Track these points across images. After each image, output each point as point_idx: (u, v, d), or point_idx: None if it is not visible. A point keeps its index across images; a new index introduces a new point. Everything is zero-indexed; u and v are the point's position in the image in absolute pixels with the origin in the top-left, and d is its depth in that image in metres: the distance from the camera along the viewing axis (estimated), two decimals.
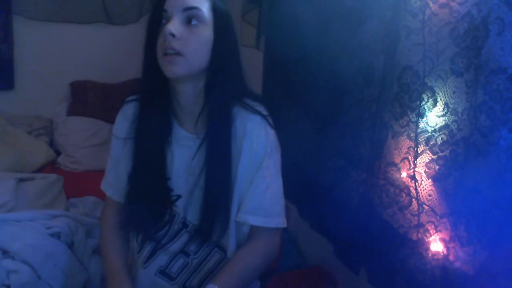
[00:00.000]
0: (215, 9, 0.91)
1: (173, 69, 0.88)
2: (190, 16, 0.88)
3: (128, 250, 1.07)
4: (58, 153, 2.19)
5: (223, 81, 0.93)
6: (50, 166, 2.08)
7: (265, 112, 0.98)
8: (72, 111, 2.29)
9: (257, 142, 0.95)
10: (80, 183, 1.90)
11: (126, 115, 1.02)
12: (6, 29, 2.20)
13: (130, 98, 1.04)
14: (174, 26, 0.86)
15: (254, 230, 0.99)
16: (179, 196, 1.00)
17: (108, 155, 1.08)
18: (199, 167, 0.96)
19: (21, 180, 1.65)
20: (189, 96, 0.95)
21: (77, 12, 2.31)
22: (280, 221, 0.98)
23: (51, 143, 2.23)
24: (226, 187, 0.95)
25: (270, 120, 0.98)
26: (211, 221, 0.96)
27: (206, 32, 0.90)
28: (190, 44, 0.88)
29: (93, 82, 2.40)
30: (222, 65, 0.92)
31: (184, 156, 0.98)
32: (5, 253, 1.17)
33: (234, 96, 0.96)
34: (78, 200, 1.68)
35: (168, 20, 0.88)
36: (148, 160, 0.97)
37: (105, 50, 2.43)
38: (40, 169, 2.01)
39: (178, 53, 0.87)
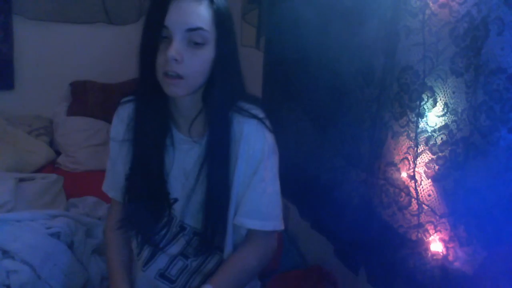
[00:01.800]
0: (218, 21, 0.87)
1: (174, 90, 0.86)
2: (194, 38, 0.84)
3: (130, 250, 1.08)
4: (58, 153, 2.19)
5: (222, 87, 0.91)
6: (50, 166, 2.08)
7: (261, 115, 0.97)
8: (72, 111, 2.29)
9: (254, 145, 0.94)
10: (80, 183, 1.90)
11: (122, 117, 1.01)
12: (6, 29, 2.20)
13: (124, 99, 1.03)
14: (177, 50, 0.82)
15: (251, 232, 0.98)
16: (175, 200, 1.00)
17: (108, 156, 1.08)
18: (196, 171, 0.96)
19: (21, 180, 1.65)
20: (186, 104, 0.94)
21: (77, 12, 2.32)
22: (277, 224, 0.98)
23: (51, 143, 2.24)
24: (226, 191, 0.95)
25: (267, 123, 0.97)
26: (213, 228, 0.95)
27: (208, 51, 0.86)
28: (192, 67, 0.85)
29: (93, 82, 2.40)
30: (222, 73, 0.90)
31: (181, 159, 0.98)
32: (5, 253, 1.17)
33: (232, 99, 0.95)
34: (78, 200, 1.69)
35: (170, 38, 0.83)
36: (146, 162, 0.96)
37: (105, 50, 2.43)
38: (40, 169, 2.01)
39: (179, 76, 0.84)
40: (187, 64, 0.84)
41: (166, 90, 0.87)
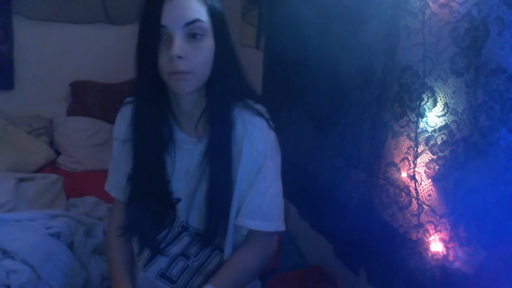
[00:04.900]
0: (212, 12, 0.88)
1: (184, 87, 0.86)
2: (193, 31, 0.85)
3: (132, 251, 1.07)
4: (58, 153, 2.19)
5: (224, 83, 0.91)
6: (50, 166, 2.08)
7: (266, 115, 0.97)
8: (72, 111, 2.29)
9: (257, 144, 0.94)
10: (80, 183, 1.90)
11: (125, 116, 1.01)
12: (6, 29, 2.20)
13: (128, 99, 1.03)
14: (180, 47, 0.83)
15: (252, 233, 0.98)
16: (178, 199, 1.00)
17: (109, 155, 1.08)
18: (199, 170, 0.96)
19: (21, 180, 1.65)
20: (190, 101, 0.94)
21: (77, 12, 2.32)
22: (279, 225, 0.98)
23: (51, 143, 2.24)
24: (228, 190, 0.95)
25: (271, 122, 0.97)
26: (216, 226, 0.95)
27: (208, 42, 0.87)
28: (197, 60, 0.85)
29: (93, 82, 2.40)
30: (223, 67, 0.91)
31: (184, 159, 0.98)
32: (5, 253, 1.17)
33: (235, 97, 0.96)
34: (78, 200, 1.68)
35: (169, 37, 0.84)
36: (148, 163, 0.96)
37: (105, 50, 2.43)
38: (40, 169, 2.01)
39: (187, 72, 0.85)
40: (192, 59, 0.85)
41: (175, 87, 0.87)
